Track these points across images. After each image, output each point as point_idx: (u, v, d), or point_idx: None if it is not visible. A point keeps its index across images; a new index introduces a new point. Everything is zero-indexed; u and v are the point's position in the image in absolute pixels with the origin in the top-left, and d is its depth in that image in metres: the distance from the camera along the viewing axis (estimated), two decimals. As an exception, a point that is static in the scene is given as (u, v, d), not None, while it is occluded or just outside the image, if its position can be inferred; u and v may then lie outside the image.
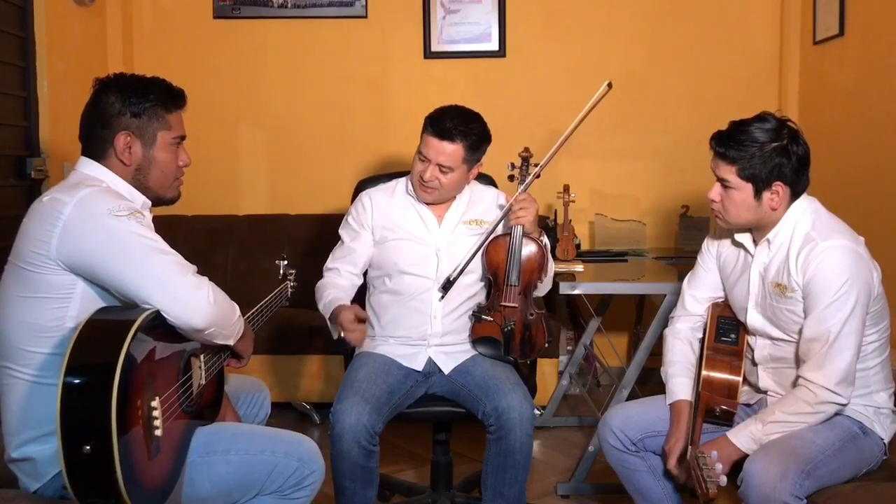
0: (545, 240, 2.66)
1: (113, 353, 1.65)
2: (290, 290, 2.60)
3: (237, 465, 1.94)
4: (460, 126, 2.56)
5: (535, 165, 2.66)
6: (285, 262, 2.61)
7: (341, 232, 2.76)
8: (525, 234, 2.58)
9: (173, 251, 1.84)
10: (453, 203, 2.72)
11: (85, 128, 1.97)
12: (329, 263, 2.74)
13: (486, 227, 2.67)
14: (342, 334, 2.46)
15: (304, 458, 2.01)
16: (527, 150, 2.70)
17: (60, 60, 3.84)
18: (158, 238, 1.83)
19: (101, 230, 1.77)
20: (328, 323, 2.56)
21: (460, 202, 2.72)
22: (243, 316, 2.06)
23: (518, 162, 2.67)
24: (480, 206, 2.75)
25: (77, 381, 1.63)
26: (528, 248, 2.60)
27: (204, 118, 4.42)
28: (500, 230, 2.64)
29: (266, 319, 2.39)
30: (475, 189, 2.78)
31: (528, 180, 2.63)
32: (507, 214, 2.61)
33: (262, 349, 3.78)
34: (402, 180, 2.78)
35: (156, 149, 1.96)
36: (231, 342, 1.99)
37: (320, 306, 2.62)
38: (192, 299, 1.79)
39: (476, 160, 2.65)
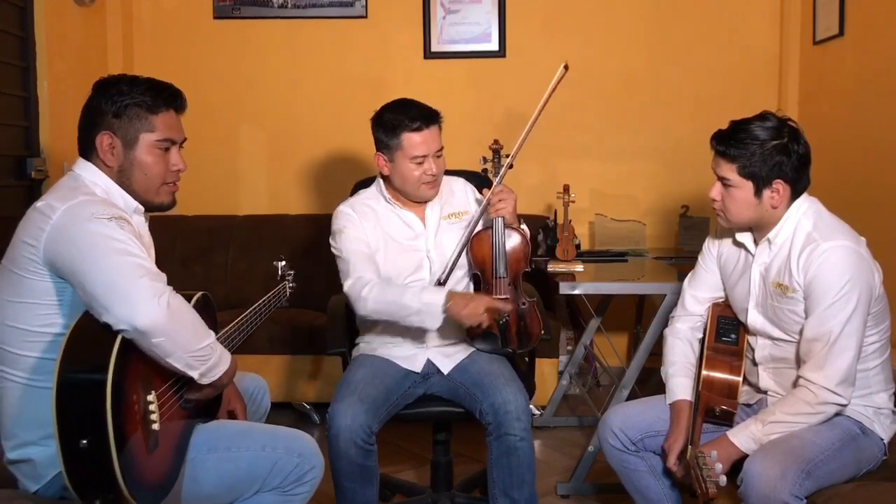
0: (525, 228, 2.66)
1: (107, 345, 1.66)
2: (288, 290, 2.59)
3: (238, 461, 1.95)
4: (428, 108, 2.55)
5: (507, 156, 2.66)
6: (283, 263, 2.60)
7: (344, 244, 2.57)
8: (506, 226, 2.58)
9: (141, 256, 1.76)
10: (429, 202, 2.68)
11: (78, 130, 1.95)
12: (357, 274, 2.49)
13: (466, 218, 2.67)
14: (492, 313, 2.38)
15: (305, 453, 2.02)
16: (496, 142, 2.70)
17: (60, 60, 3.84)
18: (131, 242, 1.76)
19: (78, 231, 1.75)
20: (437, 310, 2.37)
21: (436, 199, 2.69)
22: (241, 317, 2.02)
23: (490, 155, 2.67)
24: (453, 198, 2.74)
25: (72, 374, 1.64)
26: (512, 239, 2.60)
27: (204, 118, 4.42)
28: (479, 225, 2.63)
29: (264, 319, 2.39)
30: (446, 181, 2.74)
31: (501, 172, 2.62)
32: (486, 209, 2.59)
33: (262, 349, 3.79)
34: (370, 190, 2.72)
35: (137, 150, 1.91)
36: (195, 374, 1.81)
37: (408, 300, 2.38)
38: (138, 297, 1.68)
39: None
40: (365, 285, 2.46)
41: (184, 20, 4.54)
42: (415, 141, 2.53)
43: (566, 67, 2.66)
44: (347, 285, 2.52)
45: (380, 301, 2.44)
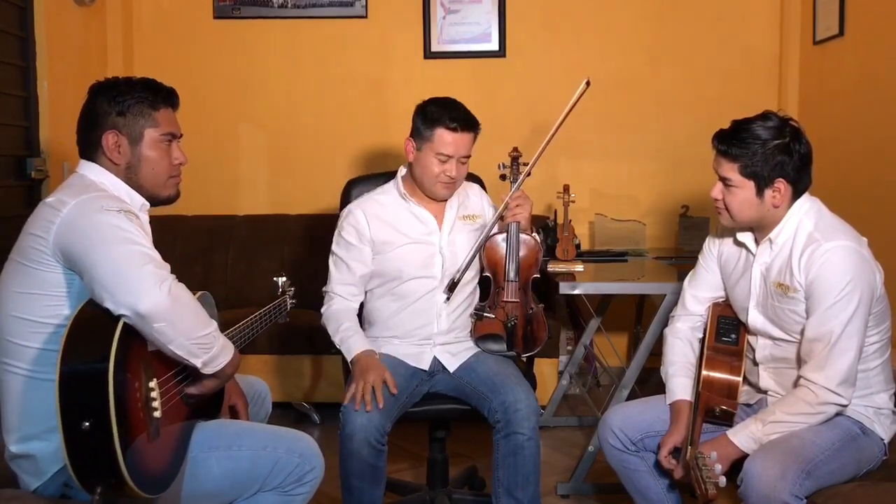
0: (537, 235, 2.69)
1: (111, 328, 1.69)
2: (289, 305, 2.60)
3: (239, 460, 1.96)
4: (471, 115, 2.60)
5: (525, 164, 2.68)
6: (284, 279, 2.61)
7: (337, 251, 2.67)
8: (521, 231, 2.61)
9: (146, 245, 1.80)
10: (448, 201, 2.71)
11: (77, 133, 1.99)
12: (332, 287, 2.67)
13: (479, 222, 2.70)
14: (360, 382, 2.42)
15: (305, 454, 2.03)
16: (515, 149, 2.74)
17: (60, 60, 3.84)
18: (138, 233, 1.80)
19: (88, 222, 1.79)
20: (345, 355, 2.55)
21: (454, 199, 2.72)
22: (238, 326, 2.01)
23: (508, 161, 2.70)
24: (469, 201, 2.76)
25: (75, 355, 1.66)
26: (526, 244, 2.63)
27: (204, 118, 4.43)
28: (494, 228, 2.65)
29: (261, 331, 2.39)
30: (464, 185, 2.76)
31: (520, 179, 2.66)
32: (503, 213, 2.61)
33: (262, 349, 3.79)
34: (387, 185, 2.74)
35: (144, 146, 1.97)
36: (198, 363, 1.84)
37: (336, 339, 2.58)
38: (142, 283, 1.72)
39: None
40: (329, 301, 2.67)
41: (184, 20, 4.54)
42: (446, 139, 2.55)
43: (588, 83, 2.68)
44: (324, 289, 2.72)
45: (327, 322, 2.66)
